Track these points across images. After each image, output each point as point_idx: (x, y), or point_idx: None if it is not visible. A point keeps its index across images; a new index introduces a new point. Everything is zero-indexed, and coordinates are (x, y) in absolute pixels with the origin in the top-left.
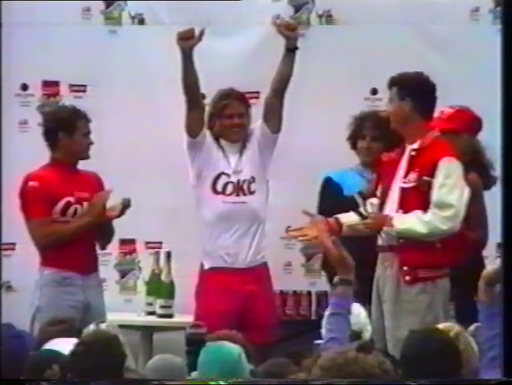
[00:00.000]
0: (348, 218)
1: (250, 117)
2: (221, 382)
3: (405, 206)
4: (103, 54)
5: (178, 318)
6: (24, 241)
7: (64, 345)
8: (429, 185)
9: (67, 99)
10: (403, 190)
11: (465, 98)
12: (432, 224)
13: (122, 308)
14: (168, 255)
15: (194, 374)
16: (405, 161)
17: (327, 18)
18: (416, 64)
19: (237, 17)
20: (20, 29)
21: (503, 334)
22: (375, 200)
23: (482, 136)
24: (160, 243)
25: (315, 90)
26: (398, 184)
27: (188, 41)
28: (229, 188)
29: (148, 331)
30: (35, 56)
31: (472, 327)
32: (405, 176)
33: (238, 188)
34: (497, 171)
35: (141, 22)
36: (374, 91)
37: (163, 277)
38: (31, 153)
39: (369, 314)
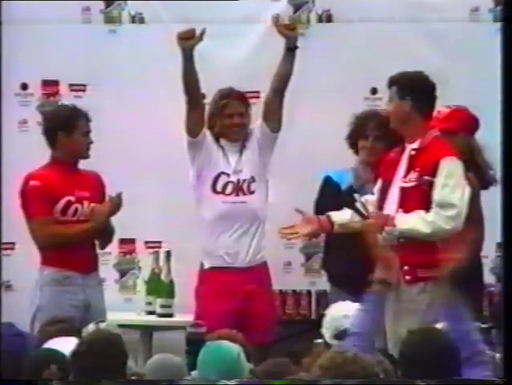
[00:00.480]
0: (341, 216)
1: (250, 116)
2: (229, 383)
3: (405, 205)
4: (103, 54)
5: (178, 318)
6: (24, 240)
7: (64, 344)
8: (430, 185)
9: (66, 98)
10: (403, 189)
11: (465, 97)
12: (435, 223)
13: (122, 307)
14: (168, 254)
15: (194, 373)
16: (405, 160)
17: (327, 17)
18: (416, 64)
19: (236, 16)
20: (20, 28)
21: (503, 334)
22: (369, 197)
23: (482, 136)
24: (160, 243)
25: (315, 89)
26: (398, 183)
27: (188, 41)
28: (229, 188)
29: (147, 331)
30: (35, 55)
31: (440, 325)
32: (405, 176)
33: (238, 188)
34: (497, 171)
35: (141, 21)
36: (374, 91)
37: (163, 276)
38: (31, 153)
39: None
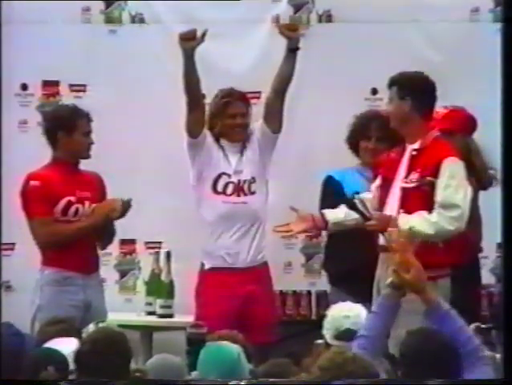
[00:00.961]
0: (335, 214)
1: (251, 117)
2: (229, 383)
3: (407, 206)
4: (103, 54)
5: (178, 318)
6: (24, 240)
7: (64, 345)
8: (432, 185)
9: (66, 98)
10: (404, 190)
11: (465, 98)
12: (438, 224)
13: (122, 308)
14: (168, 255)
15: (194, 374)
16: (406, 161)
17: (327, 17)
18: (416, 64)
19: (237, 17)
20: (20, 28)
21: (503, 334)
22: (366, 195)
23: (481, 136)
24: (160, 243)
25: (315, 90)
26: (399, 184)
27: (190, 41)
28: (230, 189)
29: (147, 331)
30: (35, 56)
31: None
32: (406, 176)
33: (239, 189)
34: (497, 171)
35: (141, 21)
36: (374, 91)
37: (163, 277)
38: (31, 153)
39: None
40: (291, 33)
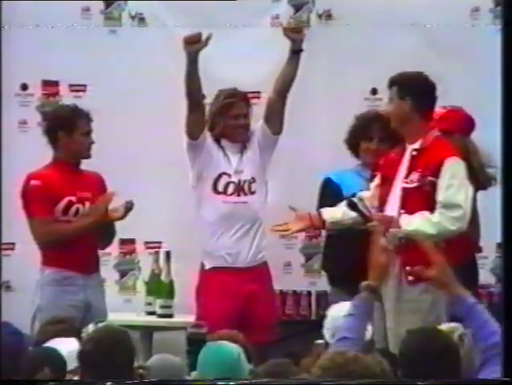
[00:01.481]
0: (333, 213)
1: (251, 117)
2: (229, 383)
3: (407, 206)
4: (103, 54)
5: (178, 318)
6: (24, 240)
7: (64, 345)
8: (433, 185)
9: (66, 98)
10: (405, 190)
11: (465, 98)
12: (441, 224)
13: (122, 308)
14: (168, 255)
15: (194, 373)
16: (406, 161)
17: (327, 17)
18: (416, 64)
19: (237, 17)
20: (20, 29)
21: (503, 333)
22: (364, 193)
23: (481, 137)
24: (160, 243)
25: (315, 90)
26: (399, 184)
27: (194, 45)
28: (231, 189)
29: (147, 331)
30: (35, 56)
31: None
32: (407, 176)
33: (239, 189)
34: (496, 171)
35: (141, 22)
36: (374, 91)
37: (162, 277)
38: (31, 153)
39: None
40: (296, 35)
